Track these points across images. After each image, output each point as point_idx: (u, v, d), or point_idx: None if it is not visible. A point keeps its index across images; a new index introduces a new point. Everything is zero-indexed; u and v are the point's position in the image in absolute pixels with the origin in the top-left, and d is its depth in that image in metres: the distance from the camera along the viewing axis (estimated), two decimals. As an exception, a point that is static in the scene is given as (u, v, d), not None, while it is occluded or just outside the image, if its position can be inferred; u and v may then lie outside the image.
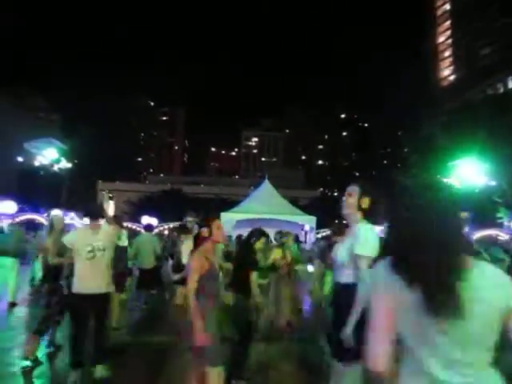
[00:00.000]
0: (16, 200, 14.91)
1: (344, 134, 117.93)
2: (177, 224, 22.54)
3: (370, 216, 2.85)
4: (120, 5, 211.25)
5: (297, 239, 8.48)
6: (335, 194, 71.57)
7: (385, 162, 58.27)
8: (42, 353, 4.72)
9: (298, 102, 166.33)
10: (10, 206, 13.86)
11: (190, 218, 6.99)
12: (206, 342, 2.82)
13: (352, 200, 2.88)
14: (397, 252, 1.26)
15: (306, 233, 17.49)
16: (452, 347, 1.16)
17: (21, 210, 14.83)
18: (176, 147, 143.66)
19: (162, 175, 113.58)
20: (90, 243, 4.04)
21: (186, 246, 6.07)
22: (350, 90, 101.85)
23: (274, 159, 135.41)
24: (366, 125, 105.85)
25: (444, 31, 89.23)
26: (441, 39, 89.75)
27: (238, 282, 4.34)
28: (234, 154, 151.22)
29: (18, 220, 14.03)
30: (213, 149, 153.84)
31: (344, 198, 2.97)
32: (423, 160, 28.57)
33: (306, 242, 15.95)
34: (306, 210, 22.77)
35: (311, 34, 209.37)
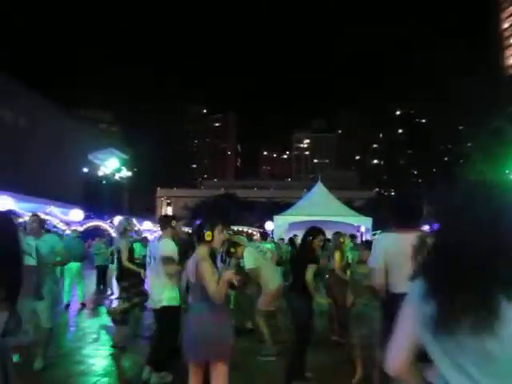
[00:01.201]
0: (82, 208, 15.98)
1: (400, 131, 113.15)
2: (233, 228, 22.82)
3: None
4: (168, 16, 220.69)
5: (353, 238, 8.06)
6: (392, 193, 68.77)
7: (446, 158, 54.89)
8: (127, 342, 5.05)
9: (351, 101, 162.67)
10: (77, 214, 14.88)
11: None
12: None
13: None
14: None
15: (361, 234, 16.91)
16: None
17: (87, 218, 15.83)
18: (229, 152, 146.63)
19: (215, 180, 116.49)
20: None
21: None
22: (405, 85, 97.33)
23: (327, 160, 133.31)
24: (424, 120, 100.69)
25: (508, 17, 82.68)
26: (505, 25, 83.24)
27: (297, 282, 4.32)
28: (285, 156, 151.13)
29: (84, 227, 14.97)
30: (265, 152, 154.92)
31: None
32: (489, 155, 26.51)
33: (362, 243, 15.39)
34: (362, 211, 22.05)
35: (362, 27, 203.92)
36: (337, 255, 6.19)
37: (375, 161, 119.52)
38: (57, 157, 49.75)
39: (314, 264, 4.28)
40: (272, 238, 12.84)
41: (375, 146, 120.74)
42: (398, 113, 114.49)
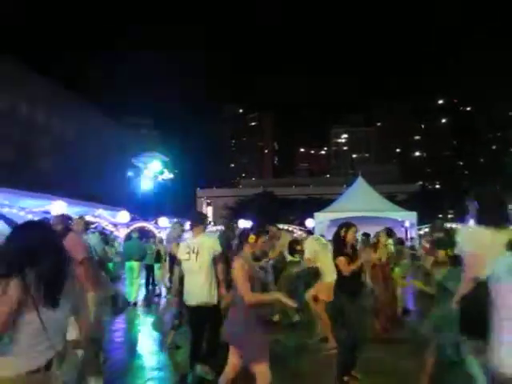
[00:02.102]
0: (128, 210, 16.65)
1: (443, 120, 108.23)
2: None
3: None
4: (202, 14, 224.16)
5: (389, 233, 7.62)
6: (437, 186, 66.12)
7: (494, 147, 52.05)
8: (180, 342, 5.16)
9: (389, 92, 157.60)
10: (124, 216, 15.55)
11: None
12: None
13: None
14: None
15: (406, 229, 16.41)
16: None
17: (132, 219, 16.45)
18: (266, 151, 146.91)
19: (253, 179, 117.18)
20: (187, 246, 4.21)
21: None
22: (447, 72, 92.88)
23: (366, 155, 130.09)
24: (469, 108, 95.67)
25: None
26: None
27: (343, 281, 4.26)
28: (323, 152, 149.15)
29: (131, 228, 15.59)
30: (301, 149, 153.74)
31: None
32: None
33: (406, 238, 14.93)
34: (405, 205, 21.40)
35: (397, 17, 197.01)
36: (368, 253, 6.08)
37: (417, 153, 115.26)
38: (104, 162, 52.39)
39: (344, 257, 4.20)
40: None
41: (417, 137, 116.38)
42: (440, 102, 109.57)
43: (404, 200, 40.03)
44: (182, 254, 4.21)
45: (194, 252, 4.05)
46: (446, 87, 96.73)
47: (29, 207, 10.08)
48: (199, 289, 4.02)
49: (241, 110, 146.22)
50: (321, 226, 15.27)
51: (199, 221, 4.36)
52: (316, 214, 16.62)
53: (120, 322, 6.98)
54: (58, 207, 11.01)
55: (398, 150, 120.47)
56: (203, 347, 4.15)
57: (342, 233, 4.37)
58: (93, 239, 5.08)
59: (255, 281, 3.09)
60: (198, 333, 4.14)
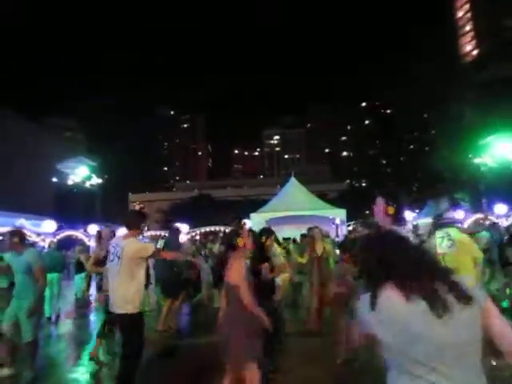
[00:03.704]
0: (54, 219, 15.55)
1: (366, 122, 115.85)
2: (207, 228, 22.83)
3: None
4: (134, 16, 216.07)
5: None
6: (363, 184, 70.38)
7: (411, 146, 56.75)
8: (105, 355, 5.10)
9: (318, 95, 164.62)
10: (50, 225, 14.49)
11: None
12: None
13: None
14: None
15: (337, 226, 17.32)
16: None
17: (60, 228, 15.43)
18: (199, 153, 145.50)
19: (188, 182, 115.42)
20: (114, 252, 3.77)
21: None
22: (369, 76, 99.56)
23: (298, 155, 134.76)
24: (389, 111, 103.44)
25: (463, 5, 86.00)
26: (460, 14, 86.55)
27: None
28: (256, 153, 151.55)
29: (58, 237, 14.60)
30: (236, 151, 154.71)
31: None
32: (452, 141, 27.67)
33: (337, 235, 15.78)
34: (336, 203, 22.54)
35: (324, 22, 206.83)
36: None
37: (345, 153, 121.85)
38: (24, 168, 48.10)
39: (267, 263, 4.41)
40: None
41: (344, 138, 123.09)
42: (363, 104, 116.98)
43: (334, 198, 42.15)
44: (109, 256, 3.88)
45: (116, 255, 3.70)
46: (369, 90, 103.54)
47: None
48: (120, 293, 3.66)
49: (172, 112, 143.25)
50: (258, 227, 15.54)
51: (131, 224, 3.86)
52: (252, 215, 16.87)
53: (41, 337, 6.58)
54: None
55: (327, 151, 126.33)
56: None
57: (263, 239, 4.57)
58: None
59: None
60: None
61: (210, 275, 8.78)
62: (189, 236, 19.27)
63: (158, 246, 6.74)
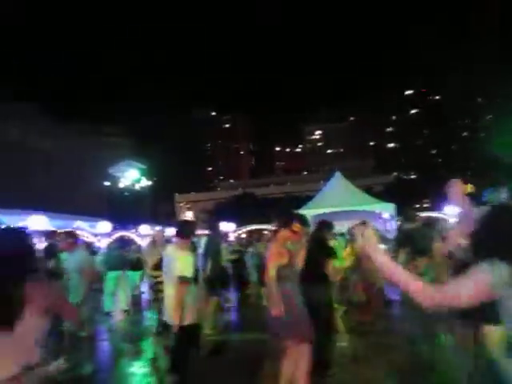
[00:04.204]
0: (108, 220, 16.43)
1: (412, 111, 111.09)
2: (253, 227, 23.02)
3: None
4: (170, 20, 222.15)
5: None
6: (412, 176, 67.78)
7: (464, 134, 53.81)
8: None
9: (359, 88, 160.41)
10: (105, 226, 15.34)
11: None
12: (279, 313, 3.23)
13: None
14: None
15: (384, 221, 16.78)
16: None
17: (114, 229, 16.25)
18: (242, 152, 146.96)
19: (232, 181, 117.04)
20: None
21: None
22: (413, 62, 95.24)
23: (341, 150, 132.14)
24: (438, 97, 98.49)
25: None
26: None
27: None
28: (299, 150, 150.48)
29: (113, 238, 15.40)
30: (277, 148, 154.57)
31: None
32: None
33: (387, 230, 15.30)
34: (382, 197, 21.85)
35: (359, 9, 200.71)
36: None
37: (391, 144, 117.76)
38: (79, 174, 51.36)
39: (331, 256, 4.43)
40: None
41: (389, 129, 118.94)
42: (408, 92, 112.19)
43: (380, 192, 40.94)
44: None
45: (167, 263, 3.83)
46: (414, 77, 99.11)
47: (8, 222, 9.86)
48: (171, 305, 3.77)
49: (213, 113, 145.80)
50: (302, 223, 15.44)
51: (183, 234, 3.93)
52: (296, 212, 16.78)
53: (103, 330, 6.97)
54: (37, 221, 10.81)
55: (371, 143, 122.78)
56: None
57: (321, 233, 4.56)
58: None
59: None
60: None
61: (257, 273, 8.85)
62: (235, 234, 19.56)
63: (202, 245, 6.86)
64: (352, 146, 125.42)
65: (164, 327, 4.10)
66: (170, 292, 3.64)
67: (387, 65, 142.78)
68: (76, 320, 3.73)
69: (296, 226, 3.47)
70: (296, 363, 3.23)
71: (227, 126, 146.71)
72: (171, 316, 3.55)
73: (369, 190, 28.03)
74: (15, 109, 46.31)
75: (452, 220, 15.11)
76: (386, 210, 16.37)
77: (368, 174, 76.22)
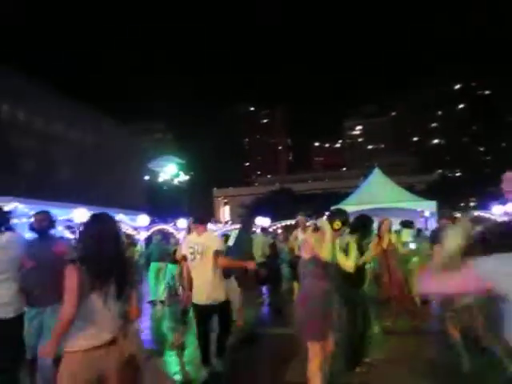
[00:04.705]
0: (147, 214, 16.91)
1: (461, 106, 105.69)
2: (288, 222, 22.92)
3: None
4: (208, 17, 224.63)
5: (407, 224, 7.75)
6: (457, 174, 64.80)
7: (515, 130, 50.65)
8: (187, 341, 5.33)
9: (402, 81, 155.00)
10: (144, 220, 15.79)
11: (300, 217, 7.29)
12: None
13: None
14: None
15: (426, 219, 16.13)
16: None
17: (152, 222, 16.69)
18: (279, 147, 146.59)
19: (269, 176, 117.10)
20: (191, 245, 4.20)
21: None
22: (464, 55, 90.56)
23: (382, 145, 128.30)
24: (488, 92, 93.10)
25: None
26: None
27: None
28: (338, 145, 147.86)
29: (151, 231, 15.83)
30: (316, 143, 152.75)
31: None
32: None
33: (426, 228, 14.70)
34: (424, 195, 21.04)
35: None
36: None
37: (435, 141, 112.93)
38: (121, 169, 53.44)
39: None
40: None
41: (434, 124, 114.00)
42: (457, 87, 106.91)
43: (423, 190, 39.39)
44: (186, 253, 4.23)
45: (197, 252, 4.08)
46: (463, 71, 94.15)
47: (55, 215, 10.36)
48: (209, 287, 4.07)
49: (252, 108, 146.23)
50: (338, 220, 15.14)
51: (201, 220, 4.40)
52: (333, 209, 16.49)
53: (145, 320, 7.18)
54: (80, 214, 11.26)
55: (415, 139, 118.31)
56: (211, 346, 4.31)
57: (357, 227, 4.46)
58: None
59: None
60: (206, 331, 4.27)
61: (289, 268, 8.77)
62: (270, 229, 19.54)
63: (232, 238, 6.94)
64: (393, 142, 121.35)
65: (199, 314, 4.20)
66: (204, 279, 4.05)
67: (434, 57, 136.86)
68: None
69: (337, 224, 3.43)
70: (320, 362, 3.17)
71: (265, 121, 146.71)
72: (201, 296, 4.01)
73: (410, 188, 27.07)
74: (60, 104, 48.66)
75: (500, 219, 14.27)
76: (428, 208, 15.74)
77: (410, 172, 73.59)
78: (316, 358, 3.12)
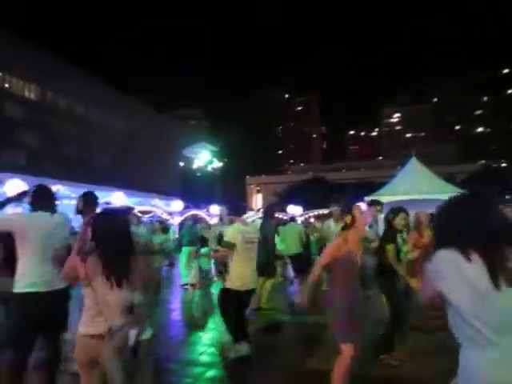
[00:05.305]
0: (181, 199, 17.27)
1: (509, 91, 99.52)
2: (320, 211, 22.67)
3: None
4: (239, 7, 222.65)
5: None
6: (502, 164, 61.48)
7: None
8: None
9: (445, 65, 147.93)
10: (178, 205, 16.15)
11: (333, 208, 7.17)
12: (303, 303, 3.12)
13: None
14: None
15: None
16: None
17: (186, 208, 17.03)
18: (314, 135, 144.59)
19: (302, 165, 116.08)
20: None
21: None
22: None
23: (422, 134, 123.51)
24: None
25: None
26: None
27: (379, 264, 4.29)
28: (374, 134, 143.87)
29: (184, 216, 16.16)
30: (351, 132, 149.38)
31: None
32: None
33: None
34: (465, 186, 20.10)
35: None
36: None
37: (480, 129, 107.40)
38: (158, 155, 54.86)
39: (392, 244, 4.12)
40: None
41: (478, 112, 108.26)
42: (505, 71, 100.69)
43: (464, 181, 37.73)
44: (238, 240, 4.29)
45: (250, 241, 4.37)
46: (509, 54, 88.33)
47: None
48: (253, 274, 4.44)
49: (287, 96, 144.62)
50: (372, 210, 14.78)
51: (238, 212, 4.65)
52: (367, 198, 16.11)
53: (176, 302, 7.38)
54: (117, 198, 11.67)
55: (457, 127, 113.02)
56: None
57: (390, 218, 4.29)
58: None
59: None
60: (242, 314, 4.45)
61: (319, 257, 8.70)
62: (302, 218, 19.44)
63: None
64: (434, 130, 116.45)
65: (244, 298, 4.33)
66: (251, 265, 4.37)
67: (481, 39, 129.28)
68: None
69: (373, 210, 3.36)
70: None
71: (300, 108, 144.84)
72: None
73: (450, 179, 26.00)
74: (99, 92, 50.14)
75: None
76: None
77: (451, 161, 70.55)
78: (343, 363, 2.96)
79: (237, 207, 4.71)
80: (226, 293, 4.36)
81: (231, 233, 4.36)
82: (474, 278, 1.26)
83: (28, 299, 2.79)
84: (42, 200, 3.02)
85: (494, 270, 1.24)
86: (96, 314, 2.09)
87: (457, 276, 1.29)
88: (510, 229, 1.33)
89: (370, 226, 6.28)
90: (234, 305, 4.34)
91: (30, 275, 2.81)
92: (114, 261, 2.07)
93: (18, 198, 3.10)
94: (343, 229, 3.20)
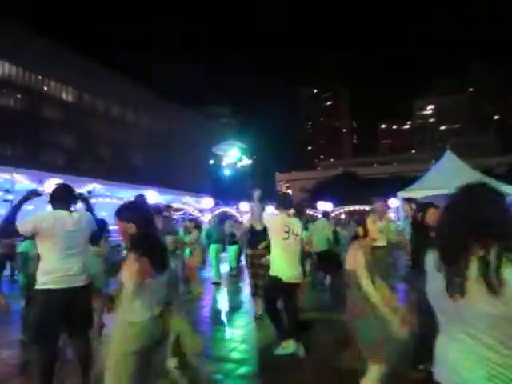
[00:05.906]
0: (211, 196, 17.50)
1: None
2: (351, 207, 22.33)
3: None
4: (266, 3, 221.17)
5: None
6: (545, 155, 58.32)
7: None
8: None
9: (481, 52, 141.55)
10: (208, 202, 16.41)
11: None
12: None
13: None
14: None
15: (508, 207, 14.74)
16: None
17: (216, 205, 17.26)
18: (344, 130, 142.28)
19: (332, 160, 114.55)
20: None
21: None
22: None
23: (457, 125, 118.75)
24: None
25: None
26: None
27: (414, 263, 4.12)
28: (407, 127, 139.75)
29: (215, 213, 16.39)
30: (382, 125, 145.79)
31: None
32: None
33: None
34: (505, 180, 19.22)
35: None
36: None
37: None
38: (189, 153, 55.87)
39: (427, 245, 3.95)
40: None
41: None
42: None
43: (504, 174, 36.00)
44: (279, 232, 4.28)
45: (293, 233, 4.32)
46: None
47: (125, 197, 11.16)
48: (297, 266, 4.36)
49: (315, 91, 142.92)
50: (405, 206, 14.39)
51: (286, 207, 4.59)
52: (399, 193, 15.69)
53: (207, 299, 7.52)
54: (150, 196, 12.00)
55: (496, 118, 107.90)
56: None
57: (418, 219, 4.09)
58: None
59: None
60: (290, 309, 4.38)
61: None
62: (333, 215, 19.22)
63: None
64: (470, 121, 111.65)
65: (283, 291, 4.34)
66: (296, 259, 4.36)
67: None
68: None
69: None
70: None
71: (329, 103, 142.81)
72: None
73: (489, 172, 24.91)
74: (134, 94, 51.50)
75: None
76: (508, 194, 14.35)
77: (489, 154, 67.46)
78: (370, 381, 2.79)
79: (285, 199, 4.65)
80: (274, 284, 4.31)
81: (275, 222, 4.38)
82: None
83: (51, 295, 2.89)
84: (62, 199, 3.11)
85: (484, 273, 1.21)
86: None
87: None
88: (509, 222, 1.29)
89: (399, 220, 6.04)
90: (279, 297, 4.34)
91: (53, 272, 2.92)
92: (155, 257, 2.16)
93: (31, 198, 3.15)
94: (355, 238, 3.15)
